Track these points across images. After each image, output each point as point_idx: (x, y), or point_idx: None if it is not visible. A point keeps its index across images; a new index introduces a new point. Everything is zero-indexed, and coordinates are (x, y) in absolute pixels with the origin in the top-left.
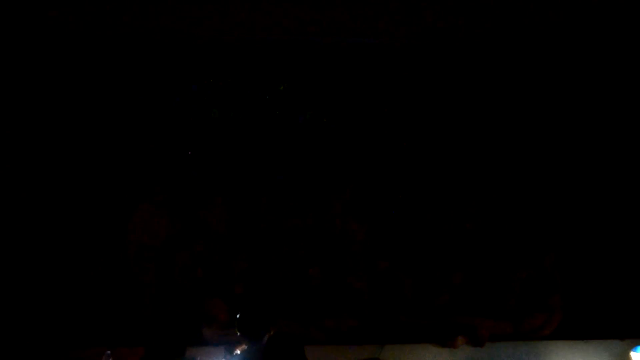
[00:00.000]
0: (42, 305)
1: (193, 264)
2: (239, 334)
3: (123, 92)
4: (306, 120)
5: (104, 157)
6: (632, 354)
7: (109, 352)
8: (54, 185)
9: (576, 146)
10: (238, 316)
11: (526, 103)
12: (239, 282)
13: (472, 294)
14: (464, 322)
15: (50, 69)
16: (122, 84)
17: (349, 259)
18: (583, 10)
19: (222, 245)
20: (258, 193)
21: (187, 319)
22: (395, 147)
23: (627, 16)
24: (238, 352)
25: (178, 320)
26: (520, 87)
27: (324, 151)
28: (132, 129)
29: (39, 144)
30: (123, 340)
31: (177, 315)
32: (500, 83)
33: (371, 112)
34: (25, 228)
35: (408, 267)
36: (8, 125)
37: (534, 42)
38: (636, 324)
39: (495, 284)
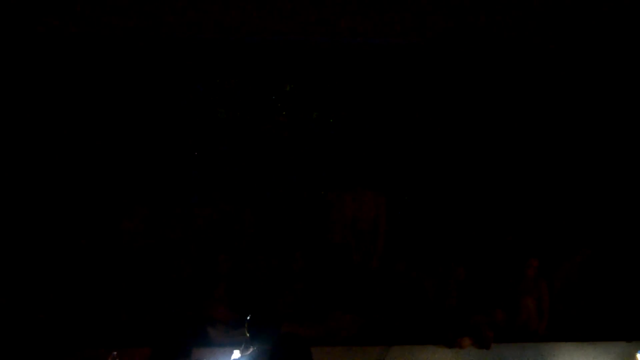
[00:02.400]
0: (48, 306)
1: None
2: (248, 335)
3: (130, 94)
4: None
5: (107, 158)
6: (639, 356)
7: (115, 352)
8: (62, 185)
9: (587, 147)
10: (248, 318)
11: (527, 106)
12: (223, 282)
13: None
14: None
15: (56, 71)
16: (130, 85)
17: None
18: (585, 12)
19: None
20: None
21: (192, 319)
22: (402, 147)
23: (627, 18)
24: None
25: (184, 321)
26: (529, 86)
27: (332, 151)
28: (136, 130)
29: (45, 145)
30: (129, 341)
31: (183, 316)
32: (511, 82)
33: (378, 112)
34: (30, 227)
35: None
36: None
37: (542, 40)
38: None
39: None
